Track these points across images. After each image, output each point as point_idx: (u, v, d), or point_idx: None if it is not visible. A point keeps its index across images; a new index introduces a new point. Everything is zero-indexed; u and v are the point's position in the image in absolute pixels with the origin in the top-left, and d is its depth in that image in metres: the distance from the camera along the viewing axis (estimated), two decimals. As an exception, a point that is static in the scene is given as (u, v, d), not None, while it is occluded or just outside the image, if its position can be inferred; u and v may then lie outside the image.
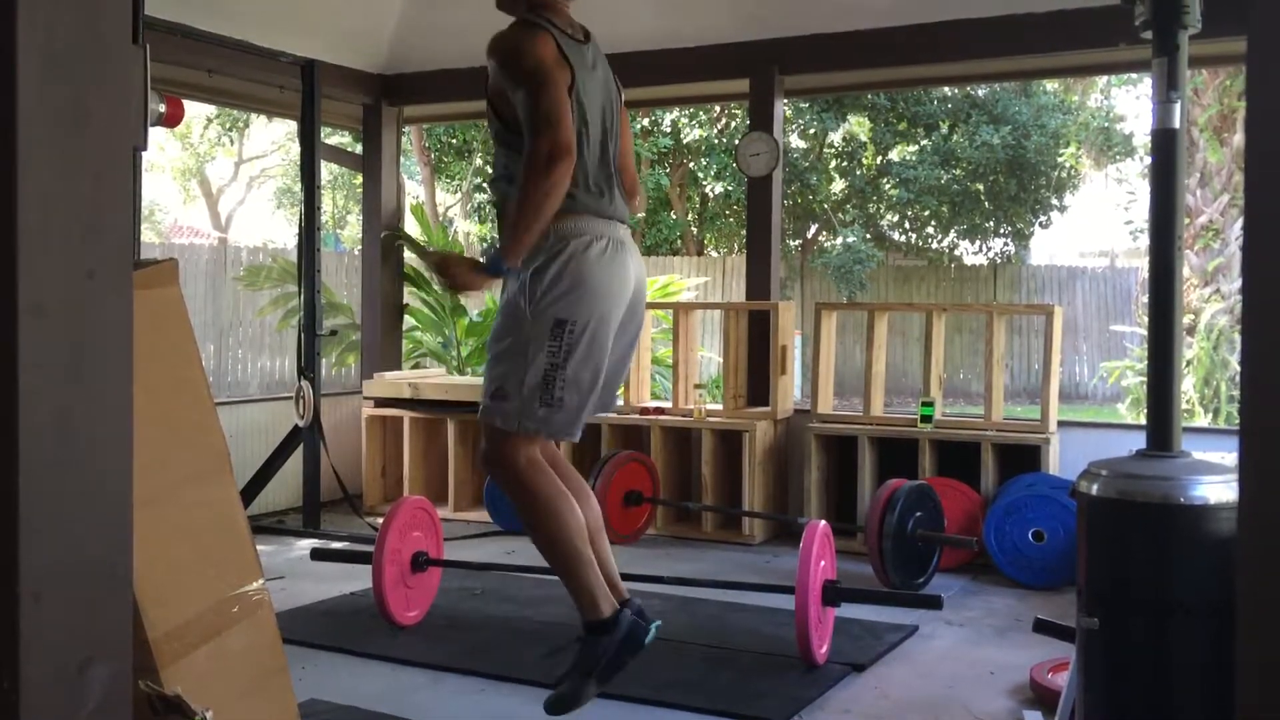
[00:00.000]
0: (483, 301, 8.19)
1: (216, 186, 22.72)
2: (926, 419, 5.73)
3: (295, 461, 6.24)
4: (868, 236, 16.08)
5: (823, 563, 3.90)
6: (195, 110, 17.30)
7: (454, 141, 14.83)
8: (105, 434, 1.32)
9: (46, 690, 1.23)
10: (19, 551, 1.23)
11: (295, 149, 6.21)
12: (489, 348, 2.90)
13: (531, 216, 2.62)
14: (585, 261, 2.75)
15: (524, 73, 2.71)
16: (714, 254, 16.97)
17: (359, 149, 7.78)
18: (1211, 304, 10.04)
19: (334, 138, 12.18)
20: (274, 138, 21.41)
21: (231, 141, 20.89)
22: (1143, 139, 15.85)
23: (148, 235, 18.03)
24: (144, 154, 2.25)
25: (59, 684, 1.24)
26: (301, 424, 6.17)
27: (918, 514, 5.04)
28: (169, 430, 1.60)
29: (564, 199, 2.72)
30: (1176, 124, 2.82)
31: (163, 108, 2.10)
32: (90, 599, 1.30)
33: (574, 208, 2.78)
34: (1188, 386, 9.81)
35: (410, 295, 8.00)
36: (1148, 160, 15.71)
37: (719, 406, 6.45)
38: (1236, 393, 9.85)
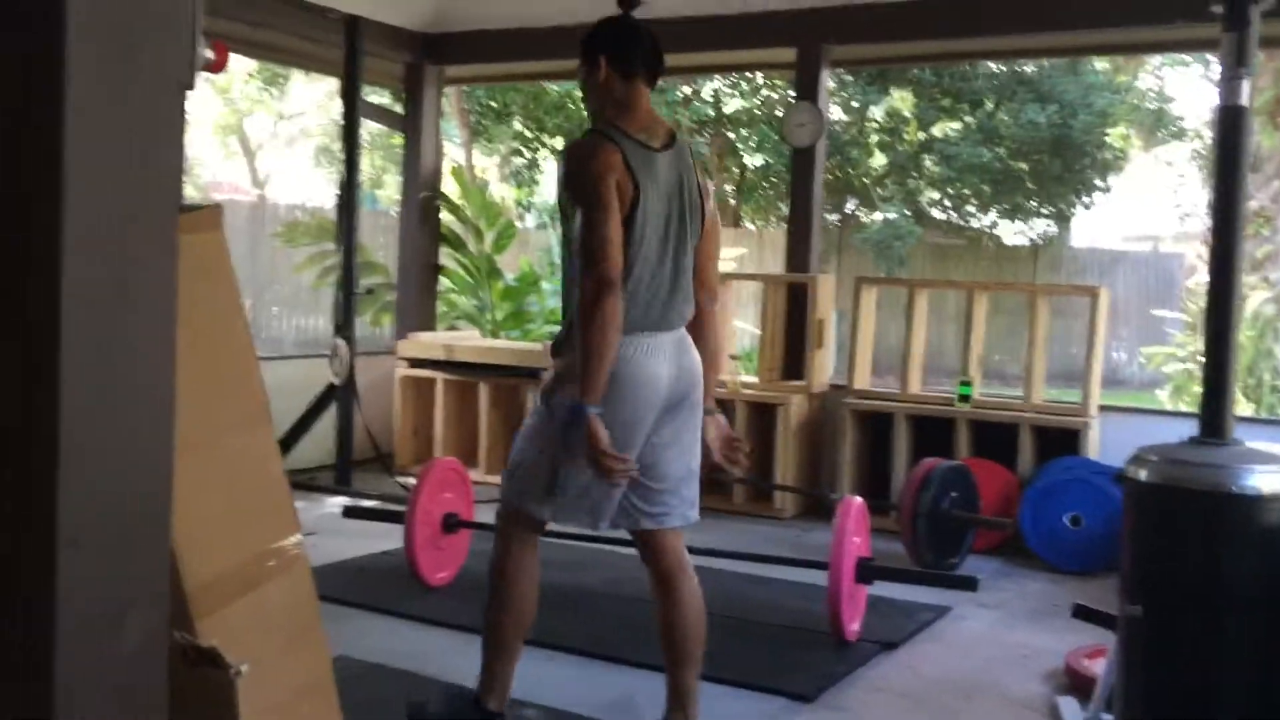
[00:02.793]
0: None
1: (256, 143, 22.76)
2: (965, 398, 5.66)
3: (327, 419, 6.25)
4: (907, 213, 15.91)
5: (857, 539, 3.86)
6: (236, 65, 17.30)
7: (493, 104, 14.76)
8: (147, 378, 1.30)
9: (83, 637, 1.21)
10: (58, 497, 1.20)
11: (335, 108, 6.22)
12: (521, 432, 2.99)
13: (593, 357, 2.63)
14: (617, 369, 2.72)
15: (583, 195, 2.71)
16: (750, 226, 16.85)
17: (400, 109, 7.74)
18: (1259, 291, 9.87)
19: (374, 96, 12.13)
20: (314, 97, 21.41)
21: (272, 96, 20.89)
22: (1193, 122, 15.58)
23: (187, 190, 18.11)
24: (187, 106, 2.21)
25: (95, 631, 1.22)
26: (337, 382, 6.17)
27: (953, 494, 4.98)
28: (211, 377, 1.57)
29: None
30: (1245, 100, 2.73)
31: (210, 53, 2.06)
32: (129, 546, 1.28)
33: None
34: (1230, 375, 9.63)
35: (446, 257, 7.97)
36: (1197, 144, 15.48)
37: (754, 379, 6.39)
38: (1280, 383, 9.69)
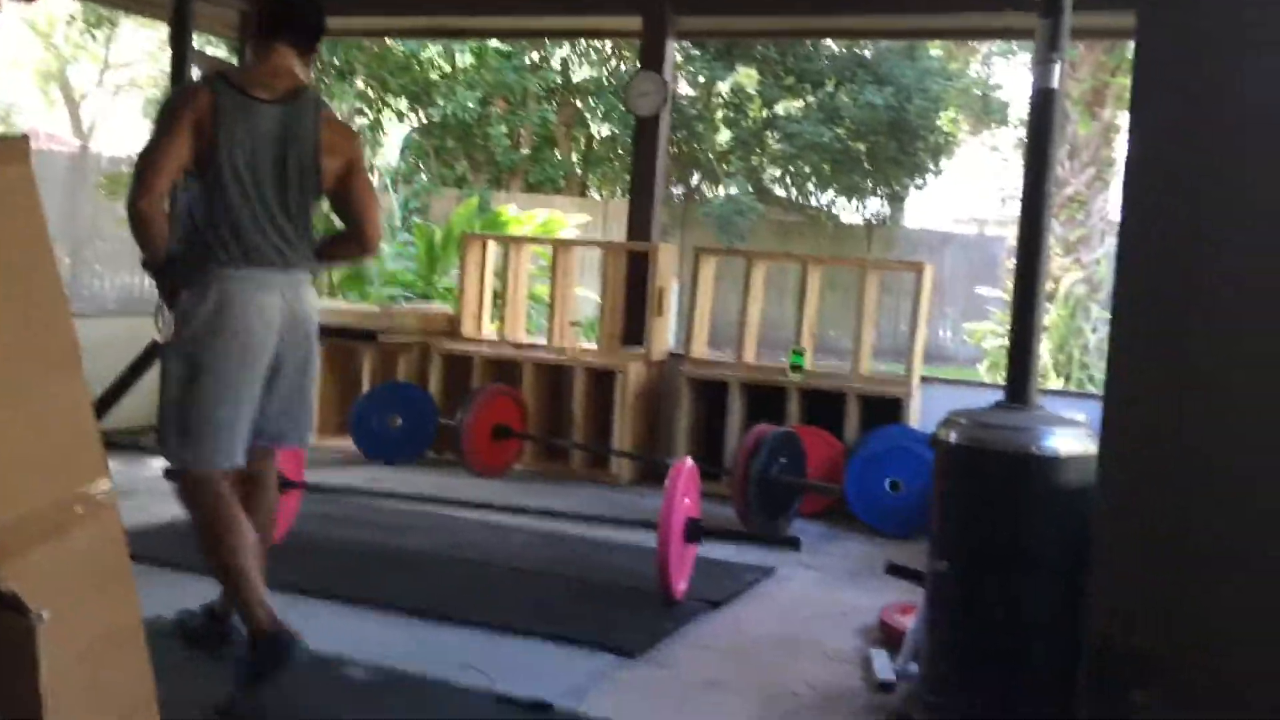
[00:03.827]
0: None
1: (80, 92, 21.60)
2: (796, 368, 5.82)
3: (152, 380, 6.01)
4: (750, 189, 16.19)
5: (687, 500, 3.94)
6: (58, 6, 16.39)
7: (335, 62, 14.37)
8: (-58, 313, 1.24)
9: None
10: None
11: (166, 58, 5.94)
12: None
13: (141, 242, 3.01)
14: (219, 306, 2.98)
15: (157, 122, 3.06)
16: (596, 196, 16.88)
17: (235, 61, 7.46)
18: (1071, 273, 10.42)
19: (210, 47, 11.66)
20: (145, 46, 20.41)
21: (98, 43, 19.83)
22: (1017, 109, 16.28)
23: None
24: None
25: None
26: (161, 340, 5.93)
27: (782, 460, 5.13)
28: (15, 316, 1.51)
29: (206, 250, 3.00)
30: (1056, 83, 2.89)
31: (20, -19, 1.97)
32: (-81, 486, 1.23)
33: (216, 259, 2.99)
34: (1042, 351, 10.17)
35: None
36: (1022, 130, 16.18)
37: (594, 345, 6.44)
38: (1089, 359, 10.27)
